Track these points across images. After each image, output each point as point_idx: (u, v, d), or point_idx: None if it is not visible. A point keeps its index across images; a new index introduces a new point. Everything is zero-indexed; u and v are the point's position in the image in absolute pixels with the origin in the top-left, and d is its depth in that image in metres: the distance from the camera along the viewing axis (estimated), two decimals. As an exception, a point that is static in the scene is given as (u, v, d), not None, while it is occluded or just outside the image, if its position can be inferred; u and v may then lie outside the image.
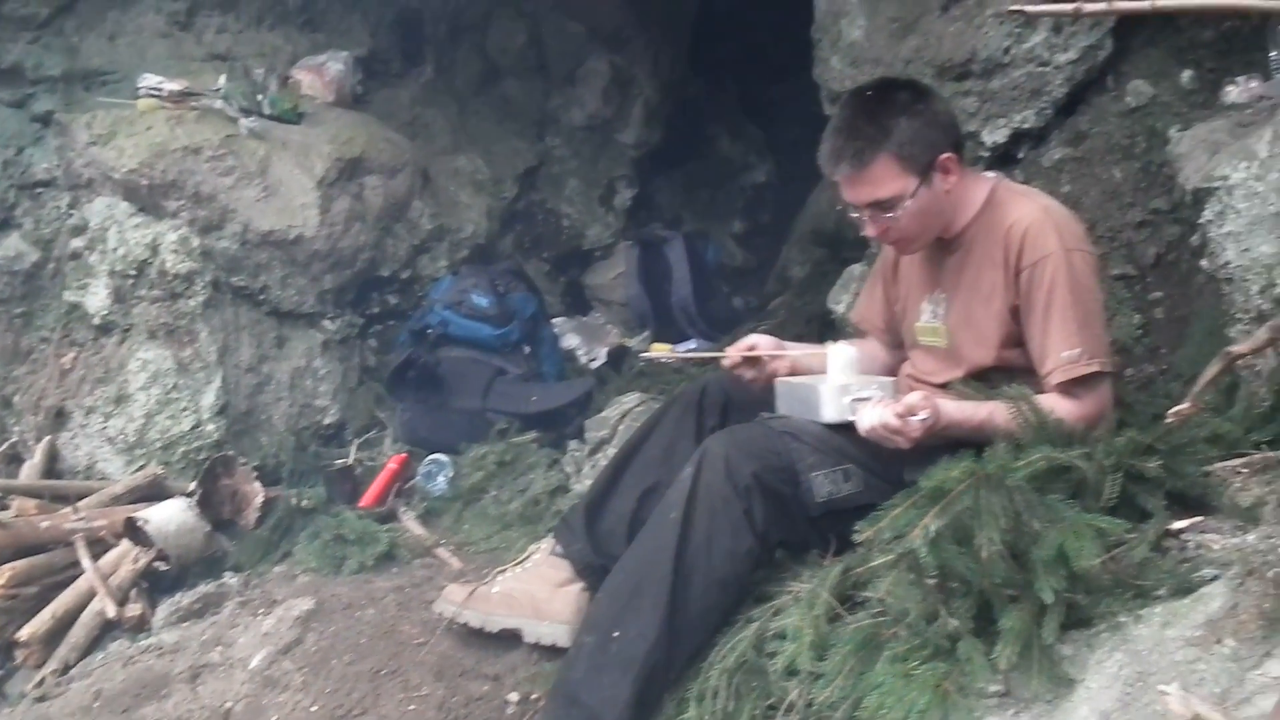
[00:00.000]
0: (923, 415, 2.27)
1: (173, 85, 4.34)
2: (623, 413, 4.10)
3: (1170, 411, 2.16)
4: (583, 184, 6.07)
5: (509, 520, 3.68)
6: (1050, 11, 3.20)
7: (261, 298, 4.30)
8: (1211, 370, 2.13)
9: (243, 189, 4.24)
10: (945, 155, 2.42)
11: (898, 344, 2.85)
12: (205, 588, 3.42)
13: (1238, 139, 2.89)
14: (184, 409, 3.96)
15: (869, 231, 2.51)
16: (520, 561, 2.89)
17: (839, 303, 4.02)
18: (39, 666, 3.25)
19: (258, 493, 3.78)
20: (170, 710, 2.86)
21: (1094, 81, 3.47)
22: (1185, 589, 1.88)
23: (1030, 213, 2.41)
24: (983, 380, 2.47)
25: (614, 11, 6.19)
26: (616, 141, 6.24)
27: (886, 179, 2.39)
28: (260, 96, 4.56)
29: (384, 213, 4.68)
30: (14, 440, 4.13)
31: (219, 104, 4.37)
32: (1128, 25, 3.36)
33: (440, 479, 3.97)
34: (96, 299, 4.09)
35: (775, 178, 6.86)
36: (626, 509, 2.72)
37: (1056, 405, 2.33)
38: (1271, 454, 2.24)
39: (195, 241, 4.13)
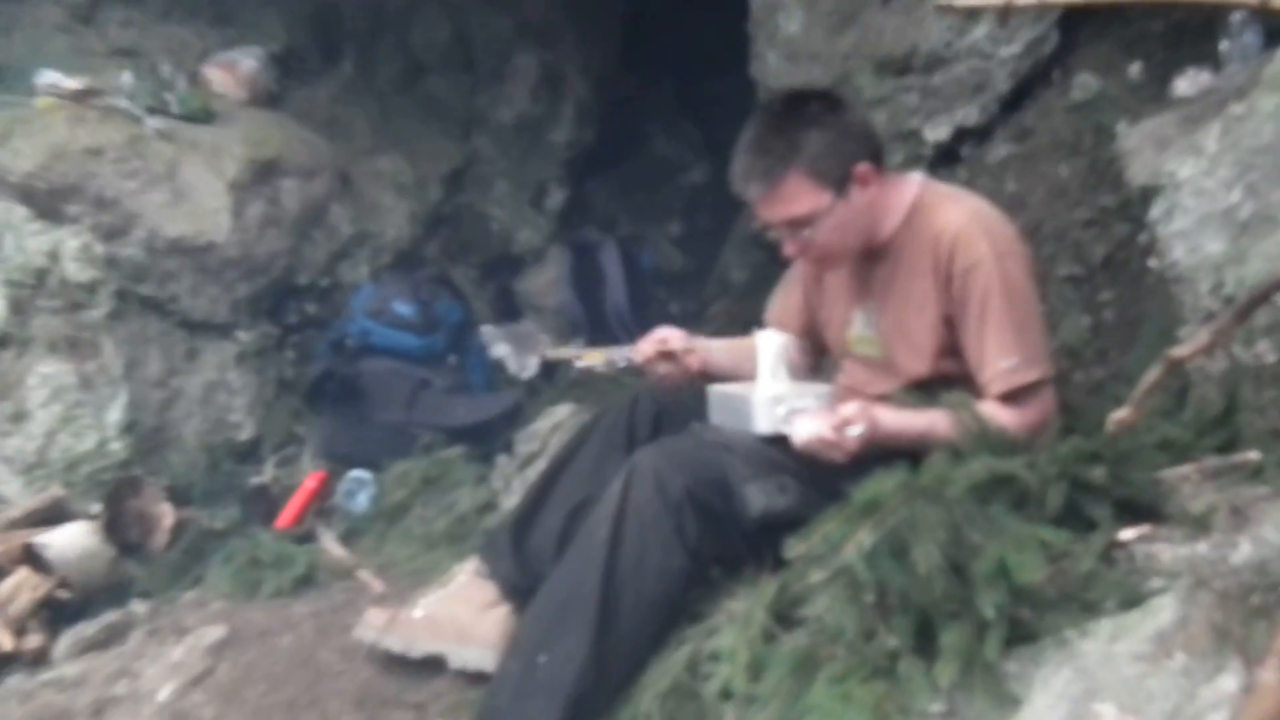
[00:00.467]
0: (858, 428, 2.27)
1: (73, 83, 4.26)
2: (554, 425, 4.09)
3: (1111, 419, 2.16)
4: (512, 186, 6.05)
5: (434, 540, 3.66)
6: (978, 6, 3.23)
7: (170, 308, 4.24)
8: (1152, 375, 2.13)
9: (149, 193, 4.18)
10: (861, 167, 2.42)
11: (814, 350, 2.86)
12: (110, 616, 3.36)
13: (1186, 134, 2.91)
14: (87, 426, 3.88)
15: (788, 250, 2.52)
16: (445, 583, 2.86)
17: (780, 307, 4.04)
18: (-73, 705, 3.16)
19: (167, 514, 3.71)
20: (71, 749, 2.80)
21: (1040, 75, 3.50)
22: (1133, 601, 1.88)
23: (958, 218, 2.41)
24: (921, 390, 2.47)
25: (543, 6, 6.18)
26: (547, 141, 6.22)
27: (800, 196, 2.40)
28: (168, 95, 4.50)
29: (301, 217, 4.63)
30: (-98, 462, 4.02)
31: (123, 103, 4.30)
32: (1074, 17, 3.39)
33: (361, 497, 3.95)
34: (-9, 311, 3.99)
35: (714, 178, 6.87)
36: (555, 526, 2.71)
37: (998, 414, 2.33)
38: (1223, 459, 2.25)
39: (98, 249, 4.06)
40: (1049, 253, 3.32)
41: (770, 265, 4.70)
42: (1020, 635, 1.90)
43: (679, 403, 2.77)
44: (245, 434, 4.29)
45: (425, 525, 3.75)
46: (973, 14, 3.42)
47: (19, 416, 3.86)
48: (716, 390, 2.64)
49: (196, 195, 4.29)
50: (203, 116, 4.54)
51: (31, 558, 3.41)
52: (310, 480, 3.96)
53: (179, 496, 3.89)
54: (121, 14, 4.85)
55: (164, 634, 3.23)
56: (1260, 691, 1.57)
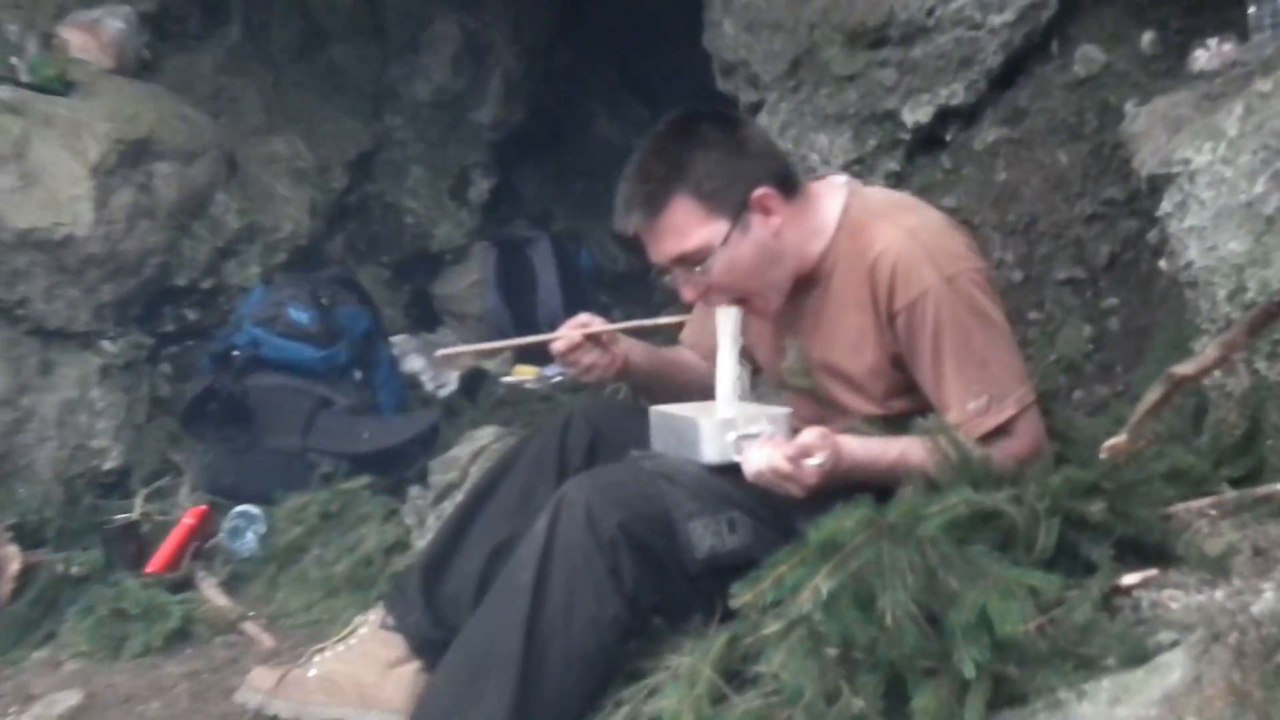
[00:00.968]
0: (819, 458, 2.26)
1: (-98, 46, 4.20)
2: (475, 451, 4.08)
3: (1104, 446, 2.16)
4: (429, 173, 6.03)
5: (334, 585, 3.63)
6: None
7: (20, 313, 4.19)
8: (1153, 396, 2.13)
9: (-7, 177, 4.13)
10: (761, 191, 2.42)
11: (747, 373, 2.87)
12: (-58, 681, 3.29)
13: (1204, 114, 2.92)
14: (-80, 454, 3.84)
15: (685, 295, 2.53)
16: (344, 637, 2.83)
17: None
18: None
19: (13, 558, 3.64)
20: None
21: (1036, 48, 3.52)
22: (1138, 658, 1.87)
23: (895, 240, 2.39)
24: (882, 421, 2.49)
25: (466, -37, 6.20)
26: (470, 121, 6.21)
27: (688, 226, 2.39)
28: (15, 60, 4.45)
29: (179, 208, 4.59)
30: None
31: (-40, 69, 4.26)
32: (1075, -20, 3.43)
33: (249, 536, 3.91)
34: None
35: (665, 165, 6.91)
36: (473, 570, 2.68)
37: (979, 446, 2.34)
38: (1244, 492, 2.26)
39: (-69, 243, 4.02)
40: (1045, 252, 3.35)
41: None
42: (1006, 696, 1.89)
43: (617, 426, 2.76)
44: (110, 462, 4.25)
45: (323, 569, 3.72)
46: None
47: None
48: (658, 412, 2.62)
49: (51, 180, 4.23)
50: (58, 86, 4.47)
51: None
52: (188, 517, 3.91)
53: (28, 537, 3.83)
54: (-39, -34, 4.80)
55: (5, 702, 3.17)
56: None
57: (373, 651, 2.73)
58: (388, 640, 2.74)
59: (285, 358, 4.40)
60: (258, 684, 2.79)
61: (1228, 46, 3.15)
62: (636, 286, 6.17)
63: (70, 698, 3.11)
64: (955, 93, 3.56)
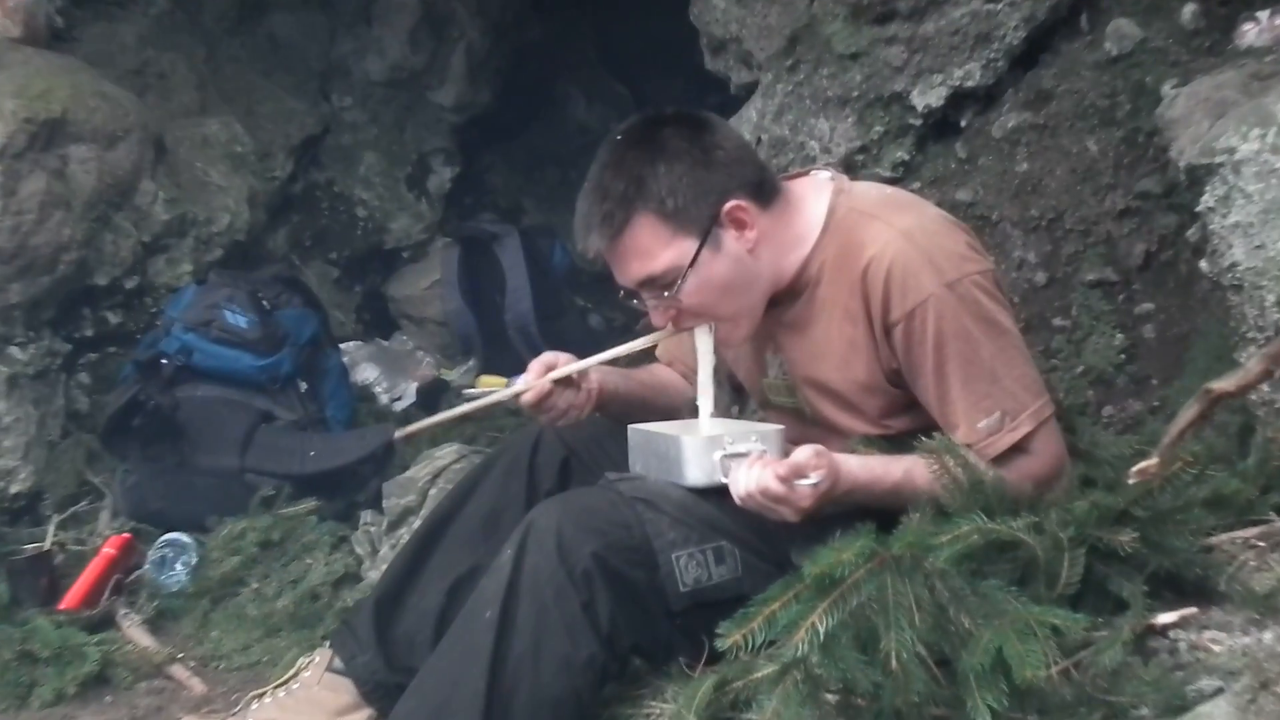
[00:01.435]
0: (814, 478, 2.25)
1: None
2: (435, 472, 4.06)
3: (1134, 470, 2.16)
4: (384, 160, 6.03)
5: (275, 623, 3.61)
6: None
7: (-84, 315, 4.16)
8: (1189, 413, 2.13)
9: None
10: (732, 203, 2.42)
11: (729, 390, 2.87)
12: None
13: (1251, 96, 2.92)
14: None
15: (655, 319, 2.54)
16: (285, 682, 2.82)
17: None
18: None
19: (-93, 593, 3.62)
20: None
21: (1062, 22, 3.54)
22: (1176, 707, 1.87)
23: (889, 242, 2.38)
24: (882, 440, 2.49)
25: (425, -75, 6.19)
26: (429, 102, 6.21)
27: (653, 246, 2.40)
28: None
29: (98, 197, 4.55)
30: None
31: None
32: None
33: (178, 567, 3.88)
34: None
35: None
36: (431, 606, 2.69)
37: (992, 468, 2.35)
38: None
39: None
40: (1071, 252, 3.35)
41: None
42: (1026, 748, 1.90)
43: (593, 445, 2.76)
44: (18, 485, 4.20)
45: (263, 604, 3.70)
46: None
47: None
48: (637, 430, 2.61)
49: (-48, 166, 4.21)
50: (-39, 60, 4.44)
51: None
52: (108, 546, 3.85)
53: (-75, 568, 3.78)
54: None
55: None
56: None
57: (318, 698, 2.72)
58: (335, 685, 2.73)
59: (220, 366, 4.38)
60: (188, 735, 2.80)
61: (1280, 19, 3.15)
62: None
63: (-27, 752, 3.09)
64: (971, 73, 3.57)
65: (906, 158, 3.70)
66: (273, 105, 5.67)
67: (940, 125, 3.65)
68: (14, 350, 4.34)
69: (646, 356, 2.96)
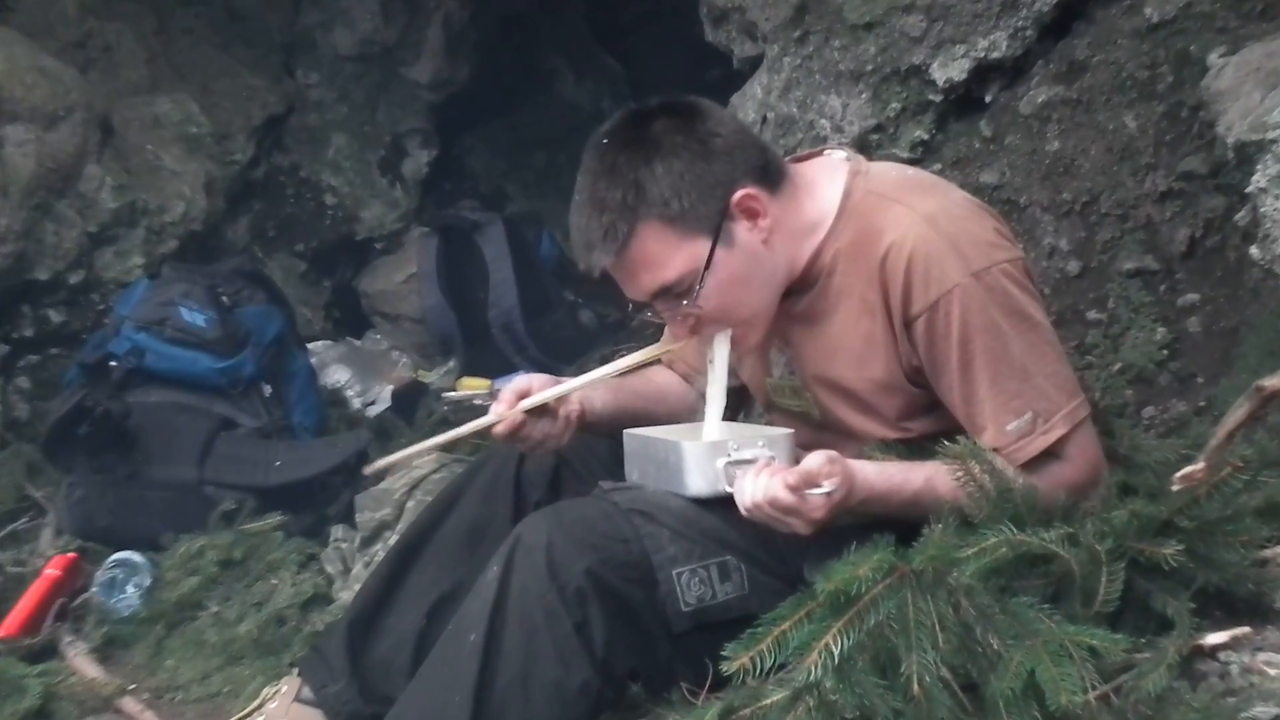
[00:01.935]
0: (827, 487, 2.25)
1: None
2: (413, 483, 4.06)
3: (1177, 476, 2.16)
4: (354, 142, 6.04)
5: (237, 650, 3.59)
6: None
7: None
8: (1238, 413, 2.13)
9: None
10: (741, 193, 2.42)
11: (735, 395, 2.85)
12: None
13: (1309, 65, 2.95)
14: None
15: (674, 332, 2.56)
16: (249, 714, 2.84)
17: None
18: None
19: None
20: None
21: (1097, -15, 3.55)
22: (1228, 735, 1.89)
23: (910, 227, 2.38)
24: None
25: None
26: (404, 79, 6.20)
27: (662, 255, 2.40)
28: None
29: (38, 183, 4.58)
30: None
31: None
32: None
33: (129, 590, 3.86)
34: None
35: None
36: (410, 629, 2.69)
37: (1022, 474, 2.35)
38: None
39: None
40: (1108, 238, 3.36)
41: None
42: (1062, 781, 1.90)
43: (585, 451, 2.77)
44: (-47, 499, 4.20)
45: (224, 629, 3.69)
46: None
47: None
48: (634, 435, 2.62)
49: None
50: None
51: None
52: (51, 567, 3.84)
53: None
54: None
55: None
56: None
57: (286, 730, 2.73)
58: (304, 716, 2.73)
59: (176, 369, 4.37)
60: (141, 773, 2.80)
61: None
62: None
63: (-99, 795, 3.09)
64: (997, 43, 3.58)
65: (926, 137, 3.71)
66: (231, 82, 5.67)
67: (963, 101, 3.66)
68: (-53, 353, 4.36)
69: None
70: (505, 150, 6.83)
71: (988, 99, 3.64)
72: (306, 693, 2.75)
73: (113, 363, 4.34)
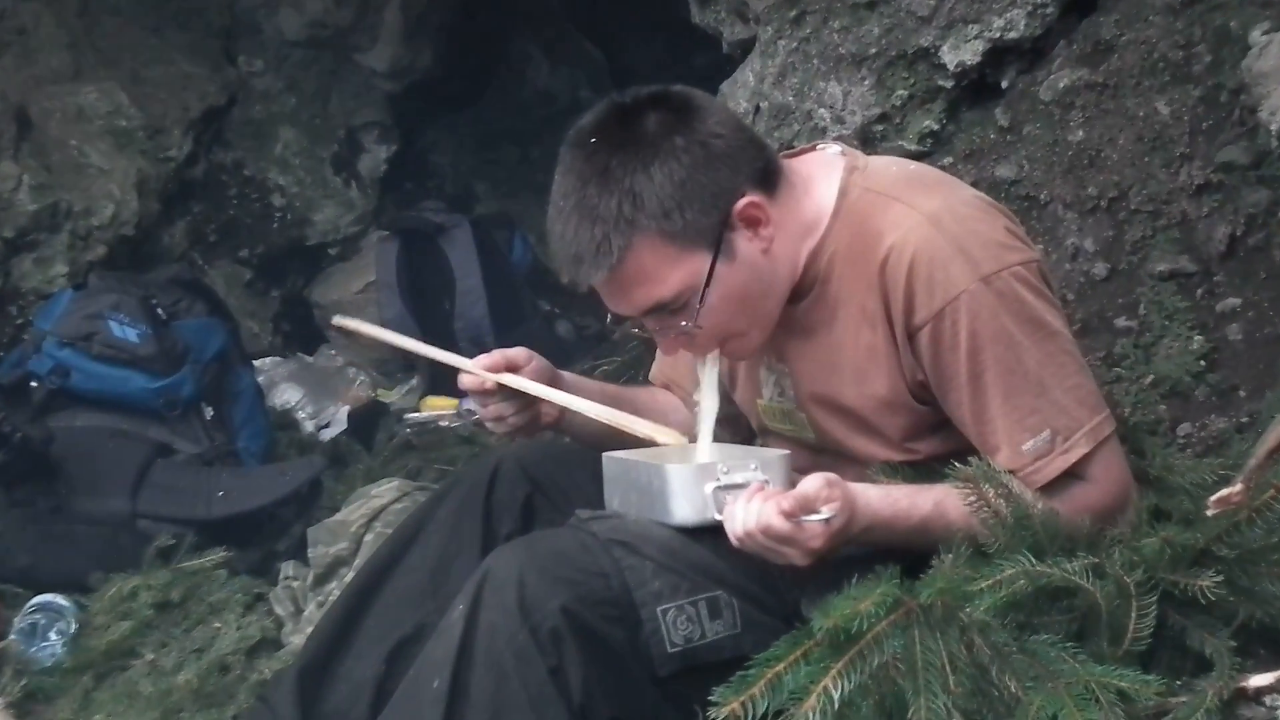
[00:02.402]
0: (826, 513, 2.24)
1: None
2: (372, 513, 4.06)
3: (1213, 499, 2.16)
4: (304, 136, 6.05)
5: (175, 702, 3.55)
6: None
7: None
8: (1278, 431, 2.14)
9: None
10: (744, 200, 2.42)
11: (734, 418, 2.87)
12: None
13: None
14: None
15: (665, 350, 2.57)
16: (189, 772, 2.83)
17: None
18: None
19: None
20: None
21: (1125, -43, 3.56)
22: (1273, 786, 1.89)
23: (911, 229, 2.38)
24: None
25: None
26: (359, 66, 6.21)
27: (659, 270, 2.39)
28: None
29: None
30: None
31: None
32: None
33: (53, 637, 3.83)
34: None
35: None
36: (368, 676, 2.68)
37: (1041, 498, 2.35)
38: None
39: None
40: (1138, 237, 3.36)
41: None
42: (1090, 836, 1.90)
43: (561, 477, 2.76)
44: None
45: (160, 679, 3.66)
46: None
47: None
48: (615, 459, 2.61)
49: None
50: None
51: None
52: (-34, 611, 3.86)
53: None
54: None
55: None
56: None
57: (229, 790, 2.74)
58: (250, 774, 2.74)
59: (105, 389, 4.38)
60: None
61: None
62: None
63: None
64: (1014, 22, 3.59)
65: (936, 127, 3.72)
66: (165, 69, 5.67)
67: (977, 87, 3.67)
68: None
69: (639, 377, 2.95)
70: (472, 145, 6.83)
71: (1004, 84, 3.64)
72: (255, 745, 2.76)
73: (33, 383, 4.35)
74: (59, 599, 3.90)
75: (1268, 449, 2.13)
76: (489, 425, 2.76)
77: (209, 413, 4.57)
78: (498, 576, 2.34)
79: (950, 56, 3.63)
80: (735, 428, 2.86)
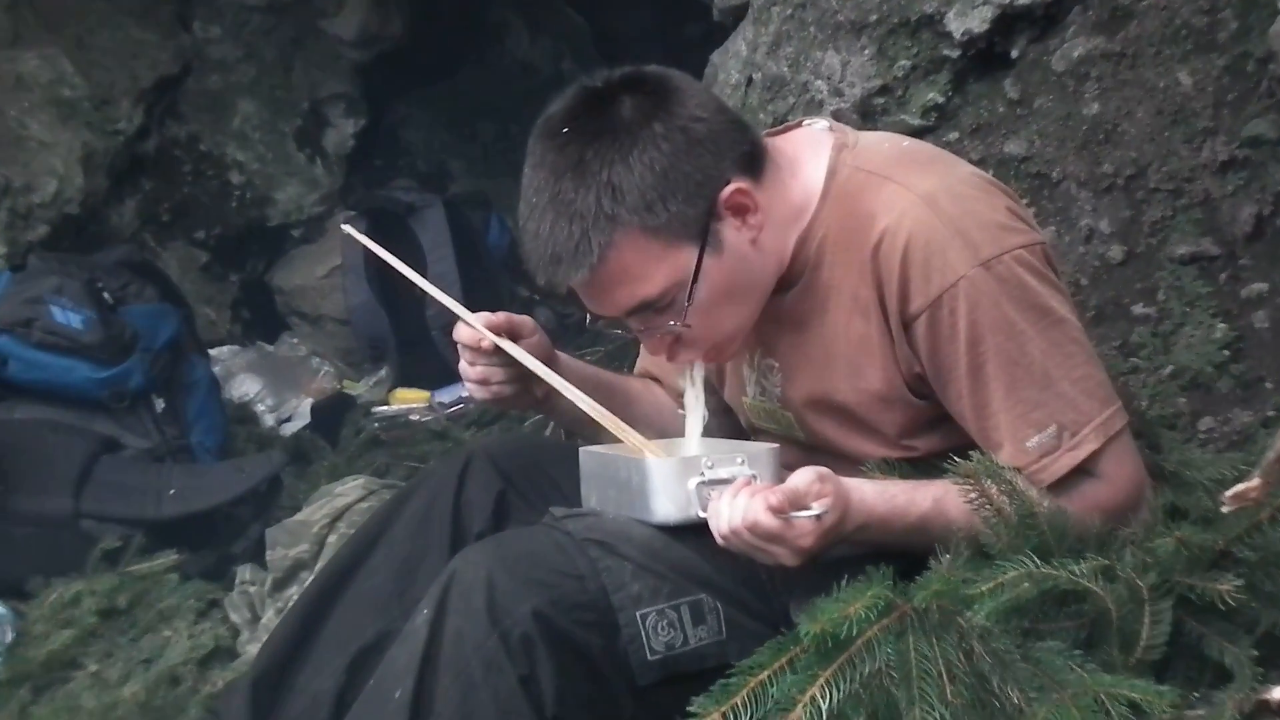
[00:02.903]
0: (817, 509, 2.24)
1: None
2: (335, 513, 4.07)
3: (1228, 494, 2.16)
4: (265, 110, 6.06)
5: (120, 716, 3.56)
6: None
7: None
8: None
9: None
10: (731, 187, 2.42)
11: (723, 413, 2.87)
12: None
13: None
14: None
15: (651, 351, 2.57)
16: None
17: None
18: None
19: None
20: None
21: (1145, -85, 3.56)
22: (1295, 805, 1.90)
23: (905, 211, 2.38)
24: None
25: None
26: (324, 34, 6.20)
27: (643, 267, 2.39)
28: None
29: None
30: None
31: None
32: None
33: (-9, 644, 3.87)
34: None
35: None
36: (327, 686, 2.68)
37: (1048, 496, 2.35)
38: None
39: None
40: (1157, 217, 3.36)
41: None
42: None
43: (535, 473, 2.77)
44: None
45: (104, 692, 3.66)
46: None
47: None
48: (591, 453, 2.62)
49: None
50: None
51: None
52: (-106, 618, 3.85)
53: None
54: None
55: None
56: None
57: (180, 807, 2.74)
58: (199, 793, 2.74)
59: (47, 379, 4.39)
60: None
61: None
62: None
63: None
64: (1025, -13, 3.60)
65: (941, 100, 3.72)
66: (113, 35, 5.67)
67: (985, 57, 3.66)
68: None
69: (624, 367, 2.95)
70: (446, 120, 6.84)
71: (1014, 54, 3.63)
72: (207, 761, 2.76)
73: (-30, 374, 4.33)
74: (-4, 604, 3.90)
75: (1284, 444, 2.13)
76: (470, 388, 2.74)
77: (160, 405, 4.57)
78: (465, 579, 2.33)
79: (956, 24, 3.63)
80: (726, 422, 2.86)
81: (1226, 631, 2.14)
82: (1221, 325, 3.24)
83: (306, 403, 5.30)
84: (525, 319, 2.71)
